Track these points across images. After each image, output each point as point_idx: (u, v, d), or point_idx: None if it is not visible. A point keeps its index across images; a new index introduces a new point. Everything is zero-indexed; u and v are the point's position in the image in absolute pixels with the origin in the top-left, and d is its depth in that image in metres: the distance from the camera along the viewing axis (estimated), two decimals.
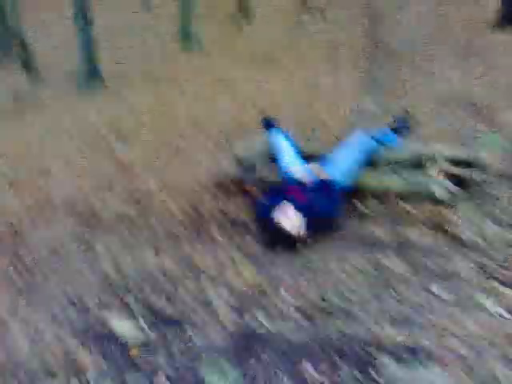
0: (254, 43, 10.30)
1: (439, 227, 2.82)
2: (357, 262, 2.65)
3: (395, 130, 3.58)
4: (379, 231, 2.93)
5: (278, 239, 2.87)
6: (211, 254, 2.91)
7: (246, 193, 3.56)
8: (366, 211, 3.20)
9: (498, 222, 2.81)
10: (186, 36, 11.06)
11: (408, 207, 3.09)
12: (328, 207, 2.96)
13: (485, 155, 3.20)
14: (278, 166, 3.48)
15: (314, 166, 3.28)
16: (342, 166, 3.22)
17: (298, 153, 3.58)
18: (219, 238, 3.10)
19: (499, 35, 8.04)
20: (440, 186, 3.03)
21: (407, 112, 3.80)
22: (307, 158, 3.54)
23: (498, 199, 3.03)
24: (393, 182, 3.21)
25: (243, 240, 3.05)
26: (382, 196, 3.24)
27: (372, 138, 3.41)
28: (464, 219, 2.85)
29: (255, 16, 12.99)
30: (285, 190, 3.12)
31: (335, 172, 3.17)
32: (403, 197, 3.17)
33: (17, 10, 11.46)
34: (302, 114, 5.47)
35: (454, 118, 4.73)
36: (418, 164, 3.26)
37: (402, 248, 2.71)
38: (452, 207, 2.97)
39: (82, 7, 8.91)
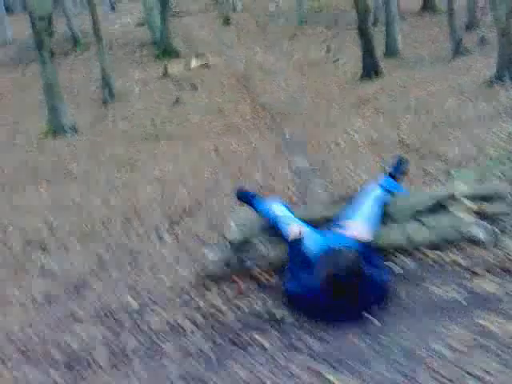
0: (132, 121, 9.78)
1: (505, 270, 2.45)
2: (453, 335, 2.12)
3: (393, 176, 3.25)
4: (440, 290, 2.46)
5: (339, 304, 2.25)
6: None
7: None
8: (401, 271, 2.73)
9: None
10: (56, 123, 9.78)
11: (449, 256, 2.70)
12: (380, 275, 2.42)
13: (504, 186, 3.01)
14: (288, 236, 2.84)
15: (351, 224, 2.72)
16: (367, 223, 2.74)
17: (298, 219, 3.02)
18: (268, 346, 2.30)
19: (366, 84, 8.66)
20: (478, 226, 2.71)
21: (401, 157, 3.54)
22: (310, 222, 3.01)
23: None
24: (421, 232, 2.81)
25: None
26: (409, 250, 2.82)
27: (381, 187, 3.02)
28: None
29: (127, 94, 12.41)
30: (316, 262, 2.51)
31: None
32: (436, 246, 2.78)
33: None
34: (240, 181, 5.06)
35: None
36: (434, 208, 2.94)
37: (490, 303, 2.26)
38: (495, 245, 2.65)
39: None
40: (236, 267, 3.05)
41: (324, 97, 9.45)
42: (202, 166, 6.26)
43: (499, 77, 6.70)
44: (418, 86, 8.35)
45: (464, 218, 2.75)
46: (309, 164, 5.68)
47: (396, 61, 11.43)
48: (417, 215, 2.91)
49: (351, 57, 13.06)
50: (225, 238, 3.22)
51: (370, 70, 9.85)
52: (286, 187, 4.94)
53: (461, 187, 2.89)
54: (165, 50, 14.37)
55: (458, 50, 10.39)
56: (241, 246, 3.09)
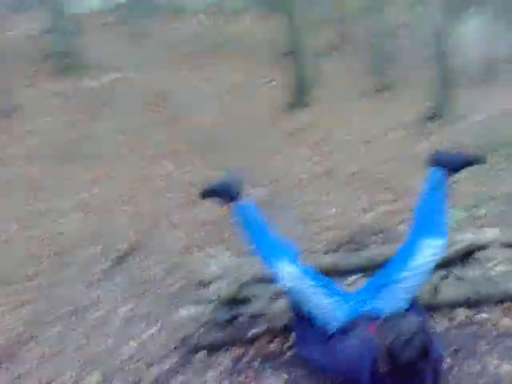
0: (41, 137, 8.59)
1: None
2: None
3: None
4: (502, 363, 2.05)
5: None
6: None
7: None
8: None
9: None
10: None
11: (493, 316, 2.32)
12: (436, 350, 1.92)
13: None
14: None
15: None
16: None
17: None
18: None
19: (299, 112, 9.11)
20: None
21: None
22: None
23: None
24: (452, 286, 2.41)
25: None
26: (439, 308, 2.40)
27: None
28: None
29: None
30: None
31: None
32: (471, 304, 2.39)
33: None
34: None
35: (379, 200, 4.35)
36: (461, 259, 2.56)
37: None
38: None
39: None
40: (226, 330, 2.43)
41: (257, 123, 9.08)
42: (135, 193, 5.48)
43: (439, 111, 6.78)
44: (354, 118, 8.30)
45: (499, 269, 2.39)
46: (264, 194, 5.16)
47: (323, 91, 11.45)
48: (444, 265, 2.51)
49: (279, 83, 12.95)
50: (207, 290, 2.59)
51: (301, 99, 9.69)
52: None
53: (490, 232, 2.54)
54: (73, 63, 13.16)
55: (382, 84, 10.65)
56: (231, 302, 2.48)
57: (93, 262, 3.65)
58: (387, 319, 1.78)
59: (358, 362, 1.81)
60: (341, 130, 7.64)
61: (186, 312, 2.60)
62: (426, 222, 2.13)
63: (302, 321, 2.17)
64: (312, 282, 2.05)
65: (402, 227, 3.43)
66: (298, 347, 2.20)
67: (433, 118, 6.85)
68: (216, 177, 5.68)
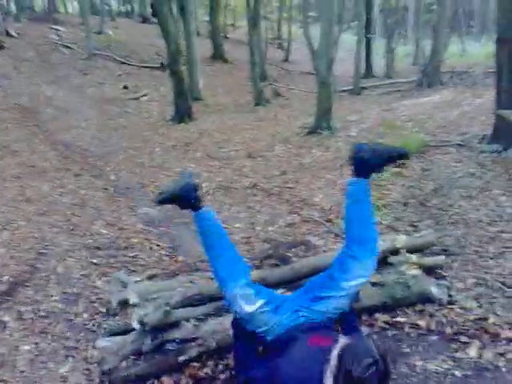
0: None
1: (478, 330, 2.33)
2: None
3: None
4: (426, 363, 2.20)
5: None
6: None
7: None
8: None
9: None
10: None
11: (408, 319, 2.49)
12: None
13: (433, 236, 2.97)
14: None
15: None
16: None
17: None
18: None
19: (181, 127, 9.22)
20: (429, 282, 2.58)
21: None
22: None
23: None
24: (368, 291, 2.54)
25: None
26: (362, 316, 2.52)
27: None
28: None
29: None
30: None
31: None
32: (387, 308, 2.55)
33: None
34: None
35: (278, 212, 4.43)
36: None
37: (488, 372, 2.08)
38: (449, 302, 2.56)
39: None
40: (153, 359, 2.28)
41: (137, 138, 8.79)
42: (12, 217, 4.92)
43: (318, 126, 7.21)
44: (236, 133, 8.44)
45: (411, 274, 2.59)
46: (158, 211, 4.98)
47: (201, 106, 11.51)
48: None
49: (153, 96, 12.71)
50: (132, 318, 2.40)
51: (184, 113, 9.63)
52: (147, 241, 4.17)
53: (401, 239, 2.74)
54: None
55: (260, 100, 11.05)
56: (157, 329, 2.34)
57: None
58: (348, 345, 1.64)
59: (305, 377, 1.78)
60: (226, 143, 7.72)
61: (103, 344, 2.36)
62: (356, 237, 2.08)
63: (241, 338, 2.09)
64: (260, 302, 1.98)
65: (312, 238, 3.55)
66: (238, 368, 2.12)
67: (312, 132, 7.25)
68: (99, 198, 5.40)
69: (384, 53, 16.65)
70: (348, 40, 17.81)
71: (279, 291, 2.57)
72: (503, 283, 2.68)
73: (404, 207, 4.16)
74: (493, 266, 2.92)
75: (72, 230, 4.56)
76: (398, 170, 5.08)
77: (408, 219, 3.90)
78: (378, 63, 17.02)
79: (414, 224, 3.76)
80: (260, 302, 1.95)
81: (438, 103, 9.00)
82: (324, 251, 3.18)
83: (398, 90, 12.49)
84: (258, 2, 11.58)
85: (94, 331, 2.71)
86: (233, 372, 2.18)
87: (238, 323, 2.04)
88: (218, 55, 17.11)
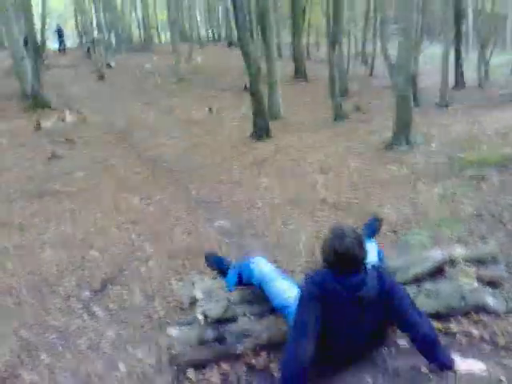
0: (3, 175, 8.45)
1: None
2: None
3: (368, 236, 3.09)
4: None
5: None
6: None
7: None
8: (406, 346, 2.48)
9: None
10: None
11: (462, 327, 2.52)
12: None
13: (496, 249, 2.97)
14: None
15: None
16: None
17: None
18: None
19: (259, 145, 9.53)
20: (486, 293, 2.60)
21: (376, 216, 3.38)
22: None
23: None
24: (423, 299, 2.61)
25: None
26: None
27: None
28: None
29: None
30: None
31: None
32: (441, 316, 2.60)
33: None
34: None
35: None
36: (433, 273, 2.78)
37: None
38: (507, 313, 2.55)
39: None
40: (214, 348, 2.53)
41: (218, 155, 9.26)
42: (106, 226, 5.51)
43: (396, 141, 7.19)
44: (312, 149, 8.62)
45: (467, 284, 2.62)
46: (231, 224, 5.31)
47: (280, 124, 11.83)
48: (415, 281, 2.72)
49: (235, 116, 13.29)
50: (197, 311, 2.68)
51: (262, 130, 9.99)
52: (219, 248, 4.49)
53: (459, 250, 2.78)
54: (36, 103, 13.09)
55: (339, 114, 11.14)
56: (218, 321, 2.59)
57: (72, 293, 3.65)
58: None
59: None
60: (301, 159, 7.93)
61: (173, 332, 2.66)
62: None
63: None
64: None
65: None
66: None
67: (390, 146, 7.25)
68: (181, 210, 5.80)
69: (477, 63, 15.99)
70: (436, 53, 17.33)
71: None
72: None
73: (477, 221, 4.10)
74: None
75: (155, 237, 5.01)
76: (475, 183, 4.98)
77: (480, 233, 3.86)
78: (472, 74, 16.39)
79: (485, 238, 3.71)
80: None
81: None
82: None
83: (490, 102, 11.98)
84: (338, 19, 11.75)
85: (168, 323, 3.03)
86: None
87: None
88: (300, 75, 17.50)
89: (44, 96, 13.63)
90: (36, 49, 12.98)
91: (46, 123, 11.96)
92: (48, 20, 19.49)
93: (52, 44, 23.86)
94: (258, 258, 2.77)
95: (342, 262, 2.09)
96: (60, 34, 23.11)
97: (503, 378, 2.09)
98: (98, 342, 2.90)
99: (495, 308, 2.51)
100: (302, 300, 2.18)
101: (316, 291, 2.13)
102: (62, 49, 22.62)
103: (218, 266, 2.92)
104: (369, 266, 2.20)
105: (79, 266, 4.21)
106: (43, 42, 13.68)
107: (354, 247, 2.07)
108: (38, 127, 11.45)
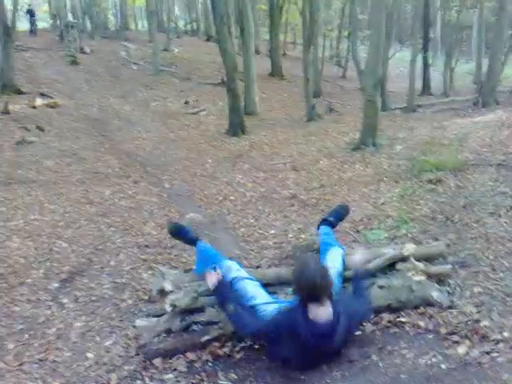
0: None
1: (470, 331, 2.54)
2: None
3: (332, 225, 3.31)
4: (417, 356, 2.44)
5: None
6: None
7: None
8: (359, 333, 2.68)
9: None
10: None
11: (409, 319, 2.74)
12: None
13: (444, 247, 3.20)
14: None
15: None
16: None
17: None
18: None
19: (234, 140, 9.73)
20: (432, 288, 2.82)
21: (343, 205, 3.58)
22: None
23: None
24: (376, 293, 2.81)
25: None
26: None
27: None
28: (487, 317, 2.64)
29: None
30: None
31: None
32: (392, 309, 2.81)
33: None
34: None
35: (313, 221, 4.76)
36: (384, 269, 2.99)
37: (471, 367, 2.30)
38: (450, 307, 2.77)
39: None
40: (181, 337, 2.67)
41: (193, 149, 9.37)
42: (75, 217, 5.55)
43: (364, 142, 7.44)
44: (286, 146, 8.81)
45: (416, 279, 2.83)
46: (203, 217, 5.44)
47: (256, 120, 11.99)
48: (370, 275, 2.91)
49: (211, 111, 13.35)
50: (165, 302, 2.81)
51: (237, 127, 10.13)
52: None
53: (409, 248, 2.99)
54: (4, 86, 12.84)
55: (312, 115, 11.37)
56: (186, 312, 2.73)
57: (40, 284, 3.72)
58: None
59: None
60: (274, 156, 8.11)
61: (141, 323, 2.79)
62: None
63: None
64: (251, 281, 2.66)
65: None
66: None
67: (357, 148, 7.49)
68: (153, 203, 5.89)
69: (443, 71, 16.52)
70: (408, 57, 17.78)
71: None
72: (508, 294, 2.86)
73: (431, 222, 4.34)
74: (503, 278, 3.08)
75: (126, 229, 5.10)
76: (432, 186, 5.24)
77: (433, 233, 4.09)
78: (438, 81, 16.88)
79: (438, 238, 3.94)
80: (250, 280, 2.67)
81: (490, 122, 8.94)
82: None
83: (453, 109, 12.41)
84: (314, 20, 11.94)
85: (136, 314, 3.15)
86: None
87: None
88: (276, 72, 17.66)
89: (14, 80, 13.37)
90: (6, 30, 12.66)
91: (15, 108, 11.75)
92: (20, 1, 18.94)
93: (22, 25, 23.28)
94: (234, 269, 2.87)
95: (311, 293, 2.29)
96: (31, 14, 22.58)
97: (443, 366, 2.30)
98: (66, 333, 3.00)
99: (440, 301, 2.74)
100: (272, 327, 2.39)
101: (288, 329, 2.31)
102: (34, 31, 22.11)
103: (185, 236, 3.07)
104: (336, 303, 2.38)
105: (48, 258, 4.27)
106: (14, 23, 13.30)
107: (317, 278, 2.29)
108: (5, 111, 11.24)
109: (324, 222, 3.38)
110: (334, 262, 2.84)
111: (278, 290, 2.85)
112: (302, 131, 10.26)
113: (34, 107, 12.25)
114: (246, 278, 2.71)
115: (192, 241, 3.06)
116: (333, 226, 3.37)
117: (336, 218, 3.42)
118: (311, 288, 2.26)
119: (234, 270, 2.77)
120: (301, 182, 6.31)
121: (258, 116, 12.53)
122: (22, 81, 14.16)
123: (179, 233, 3.11)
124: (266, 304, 2.55)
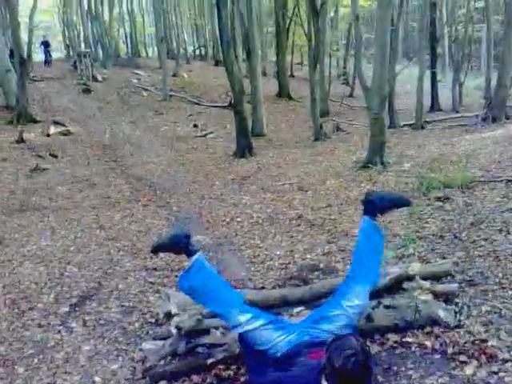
0: None
1: (478, 350, 2.51)
2: None
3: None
4: (424, 378, 2.42)
5: None
6: None
7: None
8: None
9: None
10: None
11: (416, 339, 2.71)
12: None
13: (450, 265, 3.18)
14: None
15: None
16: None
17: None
18: None
19: (241, 162, 9.81)
20: (439, 307, 2.80)
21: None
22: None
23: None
24: (381, 313, 2.80)
25: None
26: (368, 333, 2.78)
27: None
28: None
29: None
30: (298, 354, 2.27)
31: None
32: (398, 329, 2.79)
33: None
34: None
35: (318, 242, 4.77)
36: (390, 288, 2.98)
37: None
38: (458, 326, 2.75)
39: None
40: (186, 360, 2.68)
41: (201, 172, 9.45)
42: (86, 242, 5.63)
43: (371, 161, 7.45)
44: (293, 167, 8.85)
45: (422, 298, 2.81)
46: (210, 239, 5.47)
47: (263, 141, 12.10)
48: (375, 295, 2.90)
49: (219, 134, 13.50)
50: (166, 326, 2.83)
51: (244, 148, 10.23)
52: None
53: (415, 267, 2.98)
54: (20, 116, 13.16)
55: (319, 134, 11.43)
56: (191, 334, 2.74)
57: (51, 309, 3.76)
58: (334, 339, 1.97)
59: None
60: (281, 177, 8.15)
61: (147, 346, 2.80)
62: (362, 267, 2.52)
63: (251, 352, 2.45)
64: (261, 322, 2.37)
65: (338, 265, 3.85)
66: (250, 375, 2.48)
67: (365, 166, 7.51)
68: (161, 226, 5.97)
69: (452, 87, 16.53)
70: (417, 74, 17.82)
71: (299, 309, 2.90)
72: None
73: (439, 240, 4.32)
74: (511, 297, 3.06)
75: (135, 253, 5.15)
76: (440, 204, 5.22)
77: (441, 251, 4.07)
78: (447, 97, 16.90)
79: (446, 256, 3.92)
80: (260, 322, 2.34)
81: (499, 138, 8.92)
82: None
83: (463, 125, 12.39)
84: (319, 41, 12.11)
85: (142, 337, 3.17)
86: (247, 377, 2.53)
87: (243, 339, 2.41)
88: (283, 93, 17.85)
89: (29, 109, 13.70)
90: (22, 61, 13.05)
91: (30, 136, 12.01)
92: (35, 32, 19.53)
93: (38, 56, 23.92)
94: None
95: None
96: (46, 46, 23.19)
97: None
98: (74, 356, 3.02)
99: (446, 320, 2.71)
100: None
101: None
102: (48, 61, 22.69)
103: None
104: None
105: (58, 283, 4.32)
106: (29, 54, 13.70)
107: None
108: (21, 140, 11.49)
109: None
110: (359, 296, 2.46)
111: (283, 311, 2.85)
112: (309, 151, 10.31)
113: (48, 135, 12.52)
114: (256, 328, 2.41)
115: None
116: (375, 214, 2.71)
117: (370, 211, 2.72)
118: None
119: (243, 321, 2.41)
120: (307, 203, 6.32)
121: (266, 137, 12.64)
122: (37, 110, 14.50)
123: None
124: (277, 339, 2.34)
